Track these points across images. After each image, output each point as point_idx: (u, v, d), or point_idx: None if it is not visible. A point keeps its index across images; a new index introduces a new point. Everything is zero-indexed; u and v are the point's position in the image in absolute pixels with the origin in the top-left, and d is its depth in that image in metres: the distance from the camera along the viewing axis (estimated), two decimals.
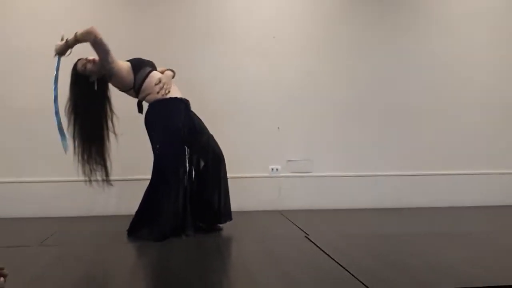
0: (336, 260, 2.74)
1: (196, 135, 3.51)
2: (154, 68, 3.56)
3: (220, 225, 3.63)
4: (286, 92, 4.59)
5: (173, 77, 3.57)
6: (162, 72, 3.54)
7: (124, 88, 3.50)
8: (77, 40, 3.25)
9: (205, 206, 3.55)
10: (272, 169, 4.59)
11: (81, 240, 3.46)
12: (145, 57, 3.59)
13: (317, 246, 3.08)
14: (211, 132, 3.62)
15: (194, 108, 3.62)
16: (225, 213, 3.61)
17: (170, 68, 3.60)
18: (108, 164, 3.47)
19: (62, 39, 3.30)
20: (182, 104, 3.50)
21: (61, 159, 4.25)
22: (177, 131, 3.41)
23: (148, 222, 3.39)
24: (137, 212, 3.46)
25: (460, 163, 4.78)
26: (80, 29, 3.24)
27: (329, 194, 4.60)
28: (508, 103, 4.85)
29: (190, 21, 4.48)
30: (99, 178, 3.44)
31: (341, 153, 4.65)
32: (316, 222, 3.99)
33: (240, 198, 4.38)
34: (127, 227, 3.47)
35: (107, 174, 3.46)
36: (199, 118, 3.60)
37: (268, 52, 4.57)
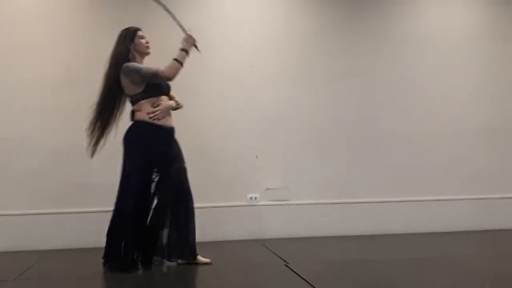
0: None
1: (168, 162, 3.44)
2: (168, 91, 3.56)
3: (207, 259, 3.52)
4: (264, 121, 4.64)
5: (175, 109, 3.54)
6: (171, 98, 3.55)
7: (127, 89, 3.45)
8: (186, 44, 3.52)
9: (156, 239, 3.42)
10: (251, 197, 4.60)
11: (58, 274, 3.39)
12: None
13: (298, 274, 3.09)
14: (189, 159, 3.55)
15: None
16: (180, 250, 3.46)
17: (179, 101, 3.57)
18: (103, 139, 3.47)
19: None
20: (163, 132, 3.43)
21: (37, 191, 4.23)
22: (150, 156, 3.35)
23: (115, 253, 3.32)
24: (106, 242, 3.38)
25: (435, 189, 4.86)
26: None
27: (308, 222, 4.61)
28: (481, 129, 4.98)
29: (168, 50, 4.51)
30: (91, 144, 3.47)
31: (319, 181, 4.69)
32: (295, 250, 4.00)
33: (218, 228, 4.39)
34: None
35: (96, 144, 3.47)
36: (178, 147, 3.53)
37: (246, 81, 4.63)
